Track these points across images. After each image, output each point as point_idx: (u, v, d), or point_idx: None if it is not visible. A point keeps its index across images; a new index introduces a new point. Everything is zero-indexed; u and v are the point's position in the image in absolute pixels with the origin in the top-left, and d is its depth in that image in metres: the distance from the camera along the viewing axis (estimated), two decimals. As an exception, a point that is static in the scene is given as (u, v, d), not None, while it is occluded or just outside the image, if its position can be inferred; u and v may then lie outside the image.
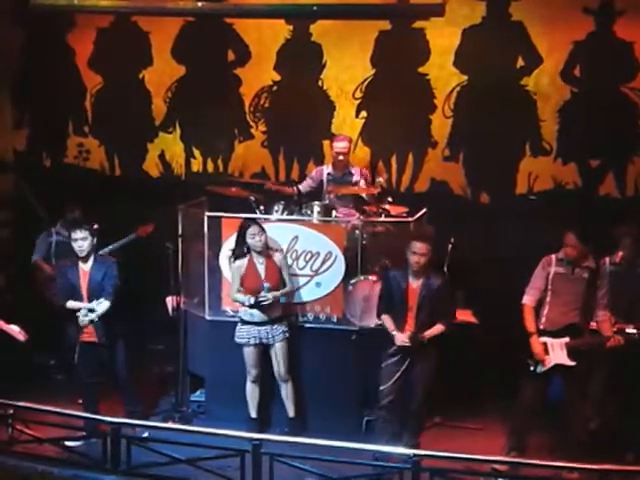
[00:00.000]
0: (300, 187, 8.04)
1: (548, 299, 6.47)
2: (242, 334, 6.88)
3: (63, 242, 8.10)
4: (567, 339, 6.36)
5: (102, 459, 6.03)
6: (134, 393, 7.01)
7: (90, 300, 6.74)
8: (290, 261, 7.11)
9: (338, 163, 7.95)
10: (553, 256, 6.51)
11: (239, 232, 6.87)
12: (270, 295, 6.74)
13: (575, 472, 6.05)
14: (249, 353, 6.89)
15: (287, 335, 6.89)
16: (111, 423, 6.10)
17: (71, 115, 10.04)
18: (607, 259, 6.87)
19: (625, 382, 6.66)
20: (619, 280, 6.79)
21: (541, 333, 6.42)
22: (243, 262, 6.87)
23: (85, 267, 6.82)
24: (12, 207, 9.69)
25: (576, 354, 6.34)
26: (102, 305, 6.71)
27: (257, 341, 6.84)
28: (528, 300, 6.53)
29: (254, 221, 6.93)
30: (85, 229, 6.77)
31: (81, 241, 6.73)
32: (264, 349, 6.90)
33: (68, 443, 6.43)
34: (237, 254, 6.89)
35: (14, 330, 6.79)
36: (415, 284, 6.42)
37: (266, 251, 6.89)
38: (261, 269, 6.86)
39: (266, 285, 6.75)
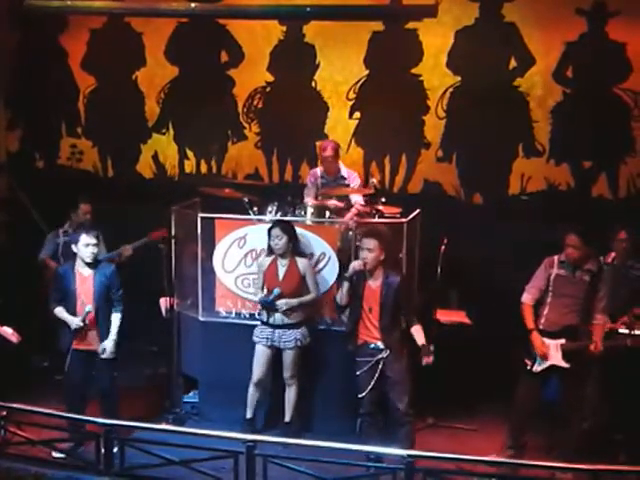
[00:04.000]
0: (309, 200, 7.78)
1: (549, 300, 6.51)
2: (257, 332, 6.88)
3: (70, 243, 8.09)
4: (563, 341, 6.39)
5: (95, 461, 6.01)
6: (115, 406, 6.81)
7: (95, 305, 6.64)
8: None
9: (328, 168, 7.93)
10: (555, 258, 6.54)
11: (267, 231, 6.87)
12: (284, 302, 6.71)
13: (568, 472, 6.07)
14: (259, 352, 6.86)
15: (300, 343, 6.80)
16: (104, 425, 6.08)
17: (64, 116, 10.04)
18: (600, 259, 6.89)
19: (618, 383, 6.67)
20: (612, 280, 6.81)
21: (539, 333, 6.45)
22: (268, 260, 6.89)
23: (85, 272, 6.70)
24: (6, 208, 9.67)
25: (571, 356, 6.37)
26: (116, 320, 6.71)
27: (269, 343, 6.82)
28: (527, 299, 6.56)
29: (280, 223, 6.90)
30: (95, 235, 6.69)
31: (93, 247, 6.65)
32: (276, 352, 6.86)
33: (55, 454, 6.35)
34: (269, 251, 6.90)
35: (7, 332, 6.77)
36: (374, 285, 6.35)
37: (291, 255, 6.84)
38: (281, 272, 6.83)
39: (276, 290, 6.71)
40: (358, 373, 6.39)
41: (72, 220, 8.11)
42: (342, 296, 6.44)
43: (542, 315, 6.53)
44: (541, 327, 6.49)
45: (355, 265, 6.34)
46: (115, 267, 6.87)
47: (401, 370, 6.33)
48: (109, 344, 6.67)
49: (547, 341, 6.42)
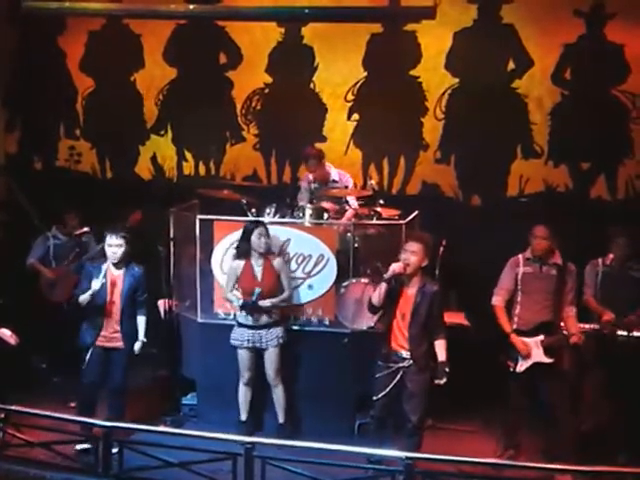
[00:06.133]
0: (306, 205, 7.70)
1: (519, 299, 6.53)
2: (236, 336, 6.87)
3: (61, 245, 8.14)
4: (542, 337, 6.41)
5: (94, 463, 6.01)
6: (123, 405, 6.86)
7: (122, 305, 6.70)
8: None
9: (316, 175, 7.90)
10: (520, 256, 6.58)
11: (244, 231, 6.86)
12: (267, 302, 6.73)
13: (567, 474, 6.07)
14: (242, 356, 6.88)
15: (281, 341, 6.84)
16: (102, 427, 6.08)
17: (62, 118, 10.03)
18: (600, 260, 6.92)
19: (618, 384, 6.69)
20: (611, 282, 6.83)
21: (515, 333, 6.47)
22: (240, 263, 6.87)
23: (115, 272, 6.76)
24: (6, 209, 9.66)
25: (552, 352, 6.39)
26: (142, 322, 6.80)
27: (250, 344, 6.83)
28: (497, 301, 6.58)
29: (262, 223, 6.94)
30: (121, 236, 6.70)
31: (116, 247, 6.67)
32: (258, 352, 6.88)
33: (79, 446, 6.41)
34: (240, 253, 6.87)
35: (5, 334, 6.77)
36: (410, 291, 6.20)
37: (266, 255, 6.88)
38: (258, 272, 6.85)
39: (257, 290, 6.72)
40: (377, 376, 6.25)
41: (60, 228, 8.16)
42: (378, 297, 6.21)
43: (515, 314, 6.54)
44: (515, 326, 6.51)
45: (395, 267, 6.12)
46: (143, 272, 6.84)
47: (421, 384, 6.17)
48: (138, 346, 6.79)
49: (526, 339, 6.43)
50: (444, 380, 6.14)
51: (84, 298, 6.66)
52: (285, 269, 6.94)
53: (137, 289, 6.79)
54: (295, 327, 7.14)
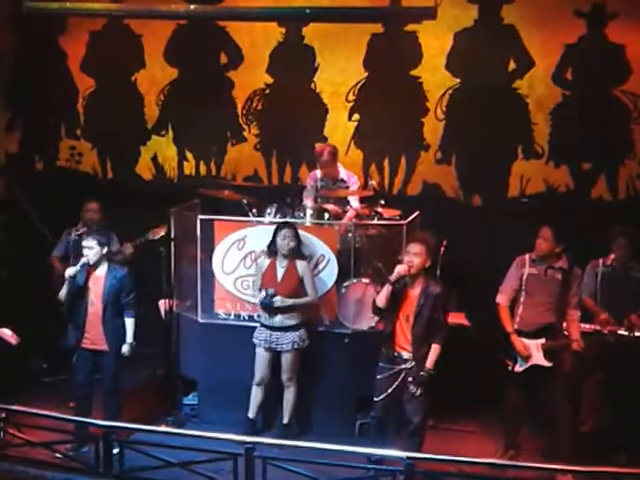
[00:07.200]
0: (308, 203, 7.70)
1: (522, 299, 6.52)
2: (256, 335, 6.92)
3: (80, 241, 8.09)
4: (543, 340, 6.39)
5: (94, 463, 6.01)
6: (118, 407, 6.82)
7: (102, 306, 6.65)
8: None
9: (326, 172, 7.91)
10: (527, 256, 6.56)
11: (274, 231, 6.89)
12: (279, 299, 6.74)
13: (568, 474, 6.07)
14: (259, 355, 6.91)
15: (297, 346, 6.83)
16: (103, 427, 6.08)
17: (63, 118, 10.02)
18: (600, 261, 6.92)
19: (618, 384, 6.68)
20: (611, 282, 6.83)
21: (516, 334, 6.46)
22: (267, 262, 6.92)
23: (97, 272, 6.73)
24: (6, 210, 9.66)
25: (553, 355, 6.37)
26: (130, 325, 6.72)
27: (267, 345, 6.85)
28: (502, 299, 6.57)
29: (291, 225, 6.94)
30: (94, 238, 6.69)
31: (87, 249, 6.68)
32: (276, 354, 6.89)
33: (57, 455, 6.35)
34: (269, 252, 6.93)
35: (6, 334, 6.78)
36: (413, 293, 6.21)
37: (292, 257, 6.87)
38: (280, 273, 6.87)
39: (270, 290, 6.75)
40: (378, 377, 6.25)
41: (82, 219, 8.14)
42: (382, 299, 6.22)
43: (517, 314, 6.53)
44: (517, 327, 6.49)
45: (400, 269, 6.14)
46: (128, 273, 6.80)
47: (423, 384, 6.17)
48: (126, 348, 6.73)
49: (527, 341, 6.42)
50: (419, 391, 6.10)
51: (62, 292, 6.67)
52: (309, 274, 6.92)
53: (121, 291, 6.72)
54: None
